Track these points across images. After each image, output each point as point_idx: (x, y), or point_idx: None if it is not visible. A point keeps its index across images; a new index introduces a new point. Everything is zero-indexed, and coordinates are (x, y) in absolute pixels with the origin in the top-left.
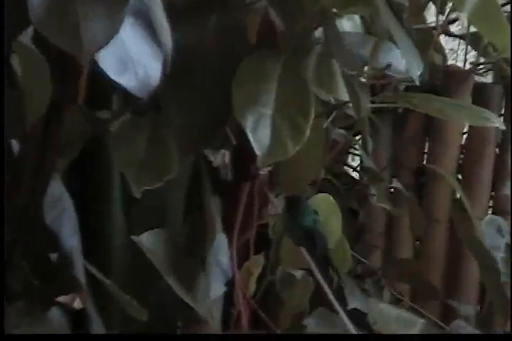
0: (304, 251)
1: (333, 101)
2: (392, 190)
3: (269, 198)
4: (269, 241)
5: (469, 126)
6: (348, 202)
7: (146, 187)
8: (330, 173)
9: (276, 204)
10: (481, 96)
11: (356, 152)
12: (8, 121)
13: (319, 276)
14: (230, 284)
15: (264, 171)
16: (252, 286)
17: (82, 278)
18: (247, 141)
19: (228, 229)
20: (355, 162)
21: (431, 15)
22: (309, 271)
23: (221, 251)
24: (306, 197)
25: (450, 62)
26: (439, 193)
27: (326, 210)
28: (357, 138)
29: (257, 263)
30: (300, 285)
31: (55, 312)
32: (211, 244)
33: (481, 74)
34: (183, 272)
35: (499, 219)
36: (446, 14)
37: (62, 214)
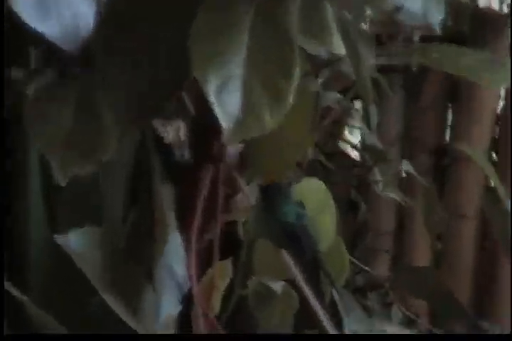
0: (285, 256)
1: (324, 55)
2: (403, 175)
3: (239, 186)
4: (240, 242)
5: (508, 90)
6: (346, 191)
7: (74, 173)
8: (321, 152)
9: (249, 194)
10: None
11: (356, 125)
12: None
13: (306, 290)
14: (187, 300)
15: (232, 151)
16: (217, 303)
17: None
18: (210, 110)
19: (185, 227)
20: (355, 138)
21: None
22: (293, 283)
23: (175, 256)
24: (288, 185)
25: (482, 2)
26: (467, 179)
27: (315, 202)
28: (357, 105)
29: (223, 272)
30: (280, 302)
31: None
32: (161, 247)
33: None
34: (123, 284)
35: None
36: None
37: None
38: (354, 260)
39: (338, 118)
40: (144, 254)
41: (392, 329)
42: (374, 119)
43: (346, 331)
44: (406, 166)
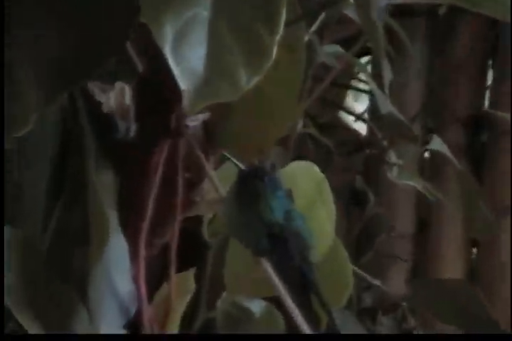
0: (266, 266)
1: None
2: (426, 155)
3: (205, 170)
4: (205, 248)
5: None
6: (349, 178)
7: None
8: (314, 125)
9: (218, 182)
10: None
11: (362, 87)
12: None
13: (295, 311)
14: (134, 326)
15: (194, 122)
16: (174, 329)
17: None
18: (165, 67)
19: (131, 228)
20: (361, 105)
21: None
22: (276, 302)
23: (117, 267)
24: (272, 168)
25: None
26: None
27: (307, 193)
28: (363, 60)
29: (182, 287)
30: (260, 326)
31: None
32: (98, 254)
33: None
34: (45, 305)
35: None
36: None
37: None
38: (360, 271)
39: (338, 80)
40: (75, 265)
41: None
42: (388, 80)
43: None
44: (432, 144)
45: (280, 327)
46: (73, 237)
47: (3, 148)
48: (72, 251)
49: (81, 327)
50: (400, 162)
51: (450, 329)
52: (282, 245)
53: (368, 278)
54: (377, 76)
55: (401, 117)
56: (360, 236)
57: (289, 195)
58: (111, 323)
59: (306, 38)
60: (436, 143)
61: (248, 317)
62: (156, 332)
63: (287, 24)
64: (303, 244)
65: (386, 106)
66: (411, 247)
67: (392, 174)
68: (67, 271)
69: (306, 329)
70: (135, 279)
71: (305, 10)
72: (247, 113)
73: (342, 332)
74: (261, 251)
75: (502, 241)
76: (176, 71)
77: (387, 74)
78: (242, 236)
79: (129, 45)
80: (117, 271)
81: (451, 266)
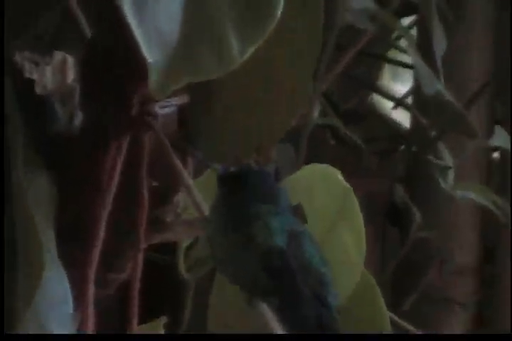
0: (266, 313)
1: None
2: (495, 155)
3: (181, 178)
4: (182, 287)
5: None
6: (384, 188)
7: None
8: (337, 114)
9: (198, 195)
10: None
11: (404, 60)
12: None
13: None
14: None
15: (166, 109)
16: None
17: None
18: (125, 31)
19: (75, 257)
20: (402, 85)
21: None
22: None
23: (54, 312)
24: (276, 174)
25: None
26: None
27: (326, 208)
28: (406, 22)
29: None
30: None
31: None
32: (30, 292)
33: None
34: None
35: None
36: None
37: None
38: (400, 321)
39: (371, 49)
40: None
41: None
42: (441, 50)
43: None
44: (495, 138)
45: None
46: None
47: (3, 146)
48: None
49: None
50: (456, 164)
51: None
52: (288, 283)
53: (412, 330)
54: (423, 45)
55: (452, 100)
56: (401, 270)
57: (298, 210)
58: None
59: None
60: (502, 138)
61: None
62: None
63: None
64: (317, 280)
65: (432, 85)
66: (473, 287)
67: (447, 182)
68: None
69: None
70: (80, 330)
71: None
72: (240, 96)
73: None
74: (258, 292)
75: None
76: (139, 36)
77: (438, 43)
78: (231, 271)
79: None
80: (54, 318)
81: None
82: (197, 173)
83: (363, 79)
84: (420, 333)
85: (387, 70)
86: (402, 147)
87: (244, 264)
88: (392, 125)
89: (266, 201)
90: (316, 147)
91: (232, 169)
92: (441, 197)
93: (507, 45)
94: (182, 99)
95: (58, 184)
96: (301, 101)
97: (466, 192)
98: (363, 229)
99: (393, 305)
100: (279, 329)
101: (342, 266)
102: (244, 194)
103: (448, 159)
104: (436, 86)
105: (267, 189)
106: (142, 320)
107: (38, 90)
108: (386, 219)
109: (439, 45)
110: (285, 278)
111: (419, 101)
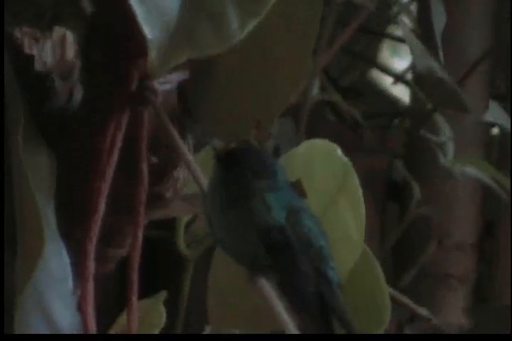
0: (266, 287)
1: None
2: (495, 132)
3: (181, 154)
4: (181, 263)
5: None
6: (383, 164)
7: None
8: (337, 89)
9: (198, 171)
10: None
11: (405, 37)
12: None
13: None
14: None
15: (166, 85)
16: None
17: None
18: (125, 6)
19: (75, 234)
20: (402, 61)
21: None
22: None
23: (54, 289)
24: (275, 151)
25: None
26: None
27: (325, 184)
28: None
29: (148, 318)
30: None
31: None
32: (30, 269)
33: None
34: None
35: None
36: None
37: None
38: (400, 296)
39: (371, 25)
40: None
41: None
42: (440, 26)
43: None
44: (489, 113)
45: None
46: None
47: (3, 147)
48: None
49: None
50: (455, 139)
51: None
52: (288, 258)
53: (412, 305)
54: (424, 19)
55: (445, 76)
56: (400, 246)
57: (297, 186)
58: None
59: None
60: (495, 113)
61: None
62: None
63: None
64: (317, 256)
65: (424, 60)
66: (471, 263)
67: (446, 158)
68: None
69: None
70: (80, 307)
71: None
72: (240, 71)
73: None
74: (258, 268)
75: None
76: (139, 12)
77: (439, 17)
78: (231, 247)
79: None
80: (55, 295)
81: None
82: (196, 149)
83: (363, 54)
84: (420, 333)
85: (386, 46)
86: (401, 122)
87: (243, 240)
88: (392, 101)
89: (264, 177)
90: (316, 122)
91: (230, 145)
92: (441, 172)
93: (506, 21)
94: (182, 75)
95: (58, 160)
96: (301, 77)
97: (466, 168)
98: (363, 205)
99: (393, 281)
100: (279, 305)
101: (342, 241)
102: (242, 170)
103: (448, 133)
104: (429, 62)
105: (265, 165)
106: (143, 296)
107: (38, 66)
108: (386, 195)
109: (439, 20)
110: (285, 253)
111: (418, 78)
